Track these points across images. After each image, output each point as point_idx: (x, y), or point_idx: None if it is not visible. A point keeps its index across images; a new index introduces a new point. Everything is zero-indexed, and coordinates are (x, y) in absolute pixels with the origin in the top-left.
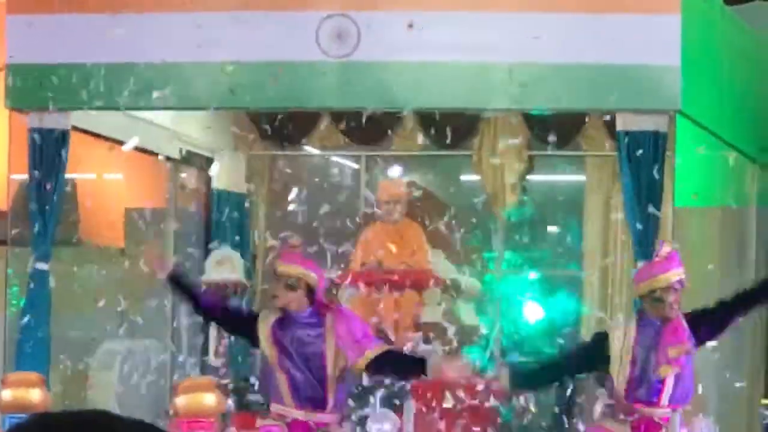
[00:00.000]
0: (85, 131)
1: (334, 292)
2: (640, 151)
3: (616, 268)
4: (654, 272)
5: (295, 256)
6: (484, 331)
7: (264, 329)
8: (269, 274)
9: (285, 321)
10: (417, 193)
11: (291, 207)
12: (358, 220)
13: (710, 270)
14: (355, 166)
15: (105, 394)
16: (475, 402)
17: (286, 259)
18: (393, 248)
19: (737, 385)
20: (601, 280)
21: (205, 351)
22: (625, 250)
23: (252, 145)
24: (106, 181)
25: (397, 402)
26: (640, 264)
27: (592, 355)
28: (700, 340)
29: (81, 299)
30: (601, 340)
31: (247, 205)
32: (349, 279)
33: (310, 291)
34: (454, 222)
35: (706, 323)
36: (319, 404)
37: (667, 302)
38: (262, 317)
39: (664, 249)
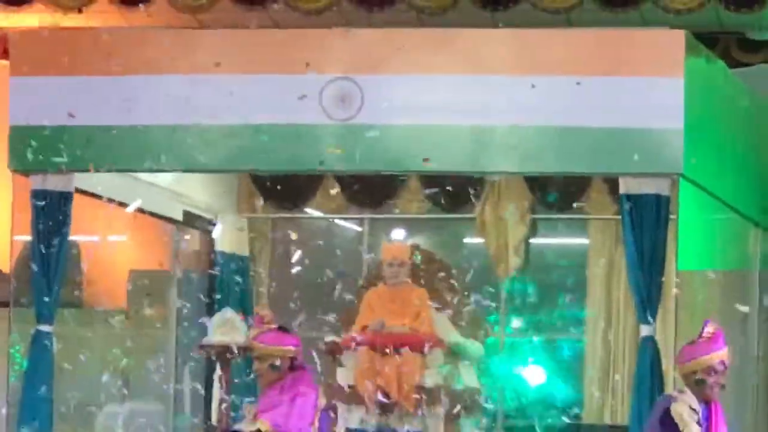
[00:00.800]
0: (88, 193)
1: (337, 355)
2: (643, 215)
3: (619, 333)
4: (696, 354)
5: (271, 334)
6: (486, 394)
7: None
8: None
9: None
10: (419, 256)
11: (294, 270)
12: (360, 282)
13: None
14: (358, 228)
15: None
16: None
17: (263, 339)
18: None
19: None
20: (604, 344)
21: (207, 413)
22: (628, 312)
23: (254, 208)
24: (110, 243)
25: None
26: (644, 328)
27: None
28: None
29: (84, 361)
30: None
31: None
32: (351, 342)
33: (291, 360)
34: (457, 285)
35: None
36: None
37: (708, 384)
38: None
39: (708, 329)
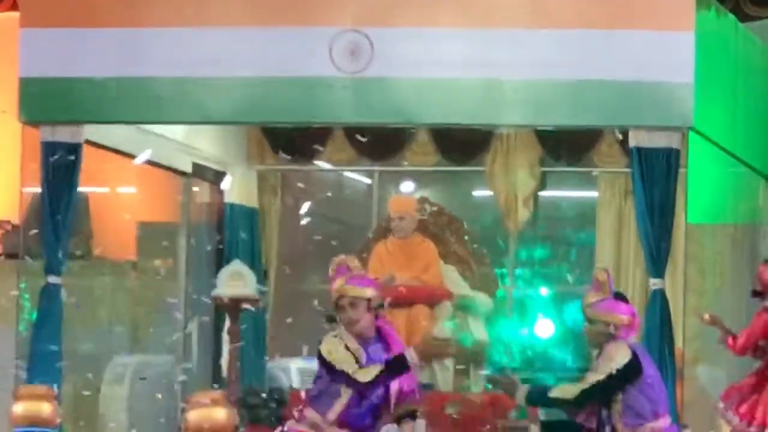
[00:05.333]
0: (98, 145)
1: None
2: (653, 168)
3: (629, 286)
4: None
5: (362, 277)
6: (495, 347)
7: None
8: (332, 301)
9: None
10: (429, 209)
11: (303, 221)
12: (369, 235)
13: (721, 287)
14: (368, 181)
15: (116, 408)
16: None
17: (357, 281)
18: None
19: None
20: None
21: (216, 365)
22: (638, 266)
23: (264, 160)
24: (119, 195)
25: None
26: (653, 281)
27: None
28: None
29: (93, 313)
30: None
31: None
32: None
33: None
34: (466, 237)
35: None
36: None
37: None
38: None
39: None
